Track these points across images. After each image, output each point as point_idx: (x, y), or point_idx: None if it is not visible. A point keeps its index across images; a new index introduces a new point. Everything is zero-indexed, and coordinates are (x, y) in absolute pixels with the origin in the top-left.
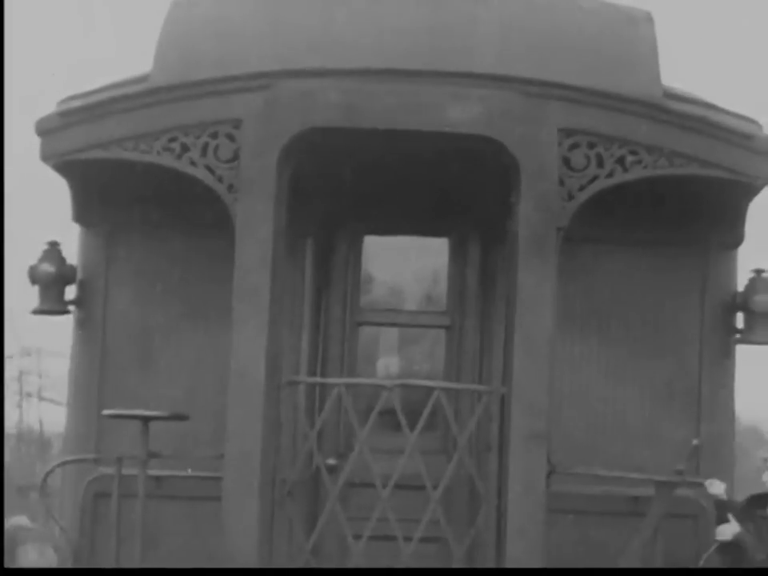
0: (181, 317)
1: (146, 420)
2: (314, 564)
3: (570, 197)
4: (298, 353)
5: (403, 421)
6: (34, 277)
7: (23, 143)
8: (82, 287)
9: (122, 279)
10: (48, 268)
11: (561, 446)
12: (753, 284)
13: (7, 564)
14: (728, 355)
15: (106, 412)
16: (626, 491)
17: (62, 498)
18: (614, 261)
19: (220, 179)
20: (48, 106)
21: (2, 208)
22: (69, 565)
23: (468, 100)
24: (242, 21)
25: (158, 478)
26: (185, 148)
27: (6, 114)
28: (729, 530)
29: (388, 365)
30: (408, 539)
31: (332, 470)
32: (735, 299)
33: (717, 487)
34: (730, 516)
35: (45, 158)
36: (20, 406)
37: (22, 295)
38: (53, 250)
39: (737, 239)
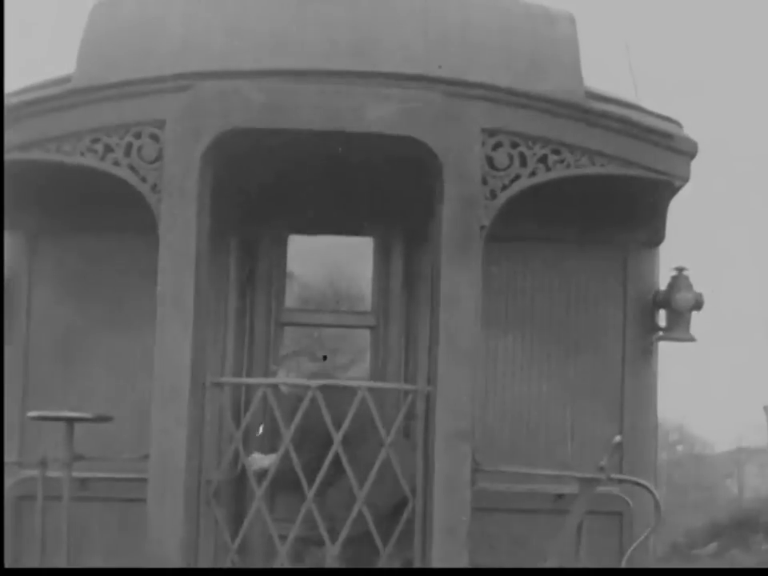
0: (104, 318)
1: (70, 422)
2: (239, 564)
3: (494, 196)
4: (223, 353)
5: (329, 421)
6: None
7: None
8: (5, 290)
9: (45, 280)
10: None
11: (485, 443)
12: (674, 282)
13: None
14: (650, 352)
15: (30, 414)
16: (550, 488)
17: None
18: (538, 258)
19: (144, 179)
20: None
21: (1, 206)
22: None
23: (390, 100)
24: (164, 21)
25: (82, 480)
26: (108, 149)
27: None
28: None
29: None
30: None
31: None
32: (657, 297)
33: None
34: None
35: None
36: None
37: None
38: None
39: (657, 237)
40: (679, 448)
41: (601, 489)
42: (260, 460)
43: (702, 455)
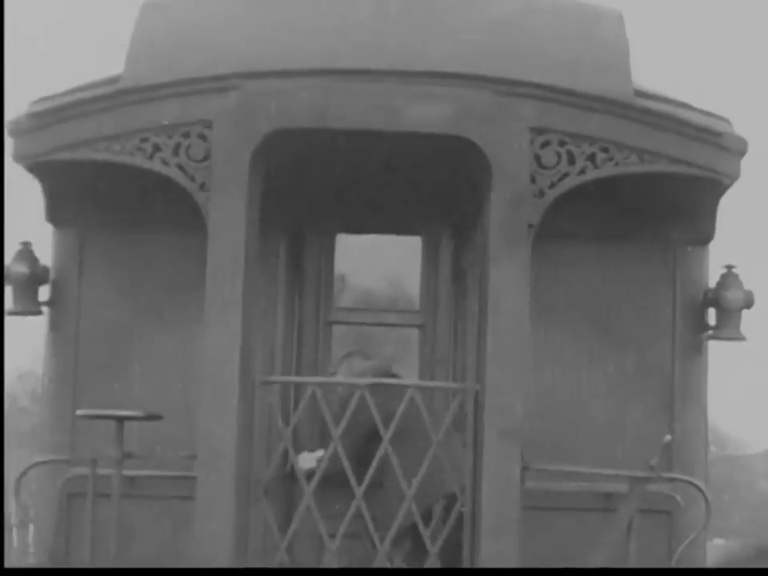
0: (154, 317)
1: (120, 420)
2: (288, 563)
3: (542, 194)
4: (271, 352)
5: (378, 419)
6: (8, 277)
7: None
8: (55, 288)
9: (95, 279)
10: (21, 268)
11: (533, 442)
12: (724, 280)
13: None
14: (700, 351)
15: (80, 412)
16: (599, 487)
17: (36, 498)
18: (586, 255)
19: (192, 178)
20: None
21: (1, 204)
22: (45, 566)
23: (438, 99)
24: (213, 21)
25: (132, 478)
26: (157, 148)
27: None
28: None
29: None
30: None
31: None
32: (707, 295)
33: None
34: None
35: (17, 159)
36: None
37: None
38: (26, 251)
39: (707, 235)
40: (712, 448)
41: (650, 488)
42: (308, 460)
43: (735, 456)
